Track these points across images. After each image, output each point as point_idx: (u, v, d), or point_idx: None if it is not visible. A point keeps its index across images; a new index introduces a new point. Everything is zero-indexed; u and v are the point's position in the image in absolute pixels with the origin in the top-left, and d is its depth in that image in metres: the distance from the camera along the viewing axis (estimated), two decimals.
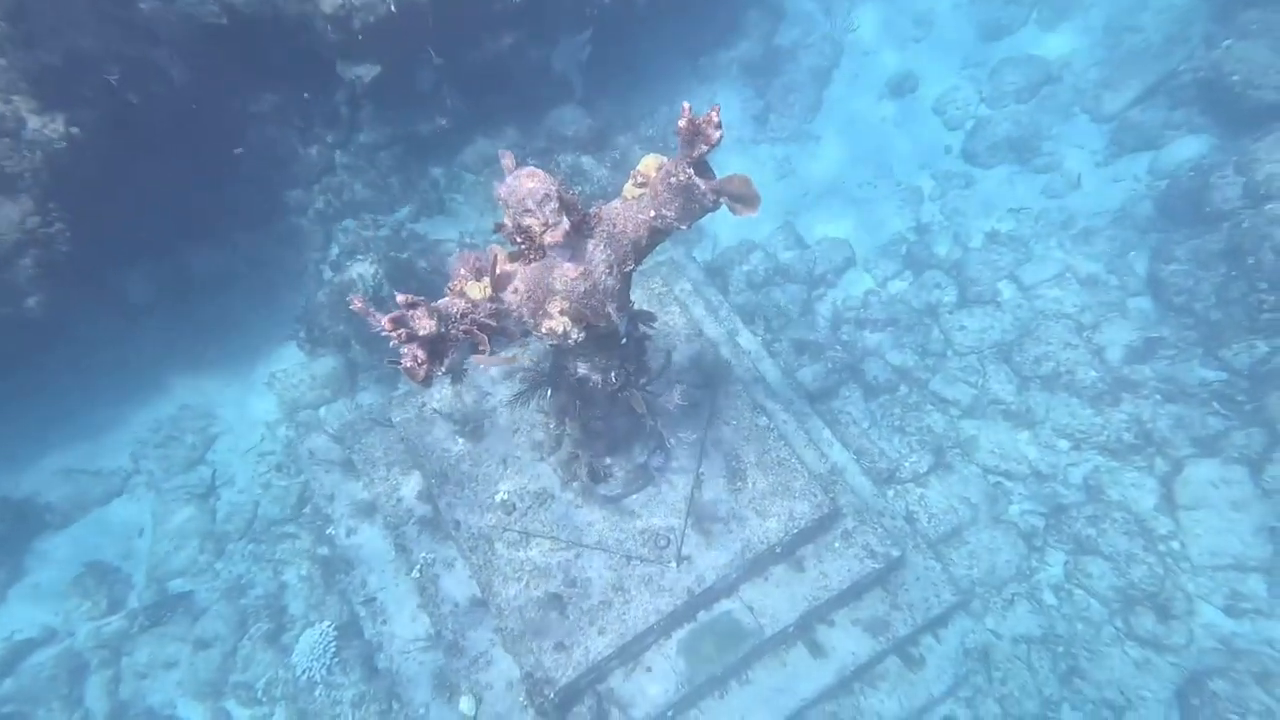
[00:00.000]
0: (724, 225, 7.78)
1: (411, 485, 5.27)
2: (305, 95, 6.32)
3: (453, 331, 2.65)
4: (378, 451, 5.38)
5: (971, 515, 5.93)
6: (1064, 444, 6.17)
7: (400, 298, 2.44)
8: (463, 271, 2.96)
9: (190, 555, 6.06)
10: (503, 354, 2.75)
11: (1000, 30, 8.27)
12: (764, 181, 8.22)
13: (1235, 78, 6.68)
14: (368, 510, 5.40)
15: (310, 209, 6.85)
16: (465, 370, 2.80)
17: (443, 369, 2.65)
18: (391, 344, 2.45)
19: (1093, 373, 6.29)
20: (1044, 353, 6.46)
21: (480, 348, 2.75)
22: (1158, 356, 6.22)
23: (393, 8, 5.44)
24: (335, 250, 6.80)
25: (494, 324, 2.85)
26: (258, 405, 6.70)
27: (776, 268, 7.44)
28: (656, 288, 6.08)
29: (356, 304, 2.34)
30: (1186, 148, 7.12)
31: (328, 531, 5.42)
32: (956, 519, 5.89)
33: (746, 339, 6.41)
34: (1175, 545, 5.60)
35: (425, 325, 2.45)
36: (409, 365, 2.52)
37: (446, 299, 2.81)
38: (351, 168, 6.88)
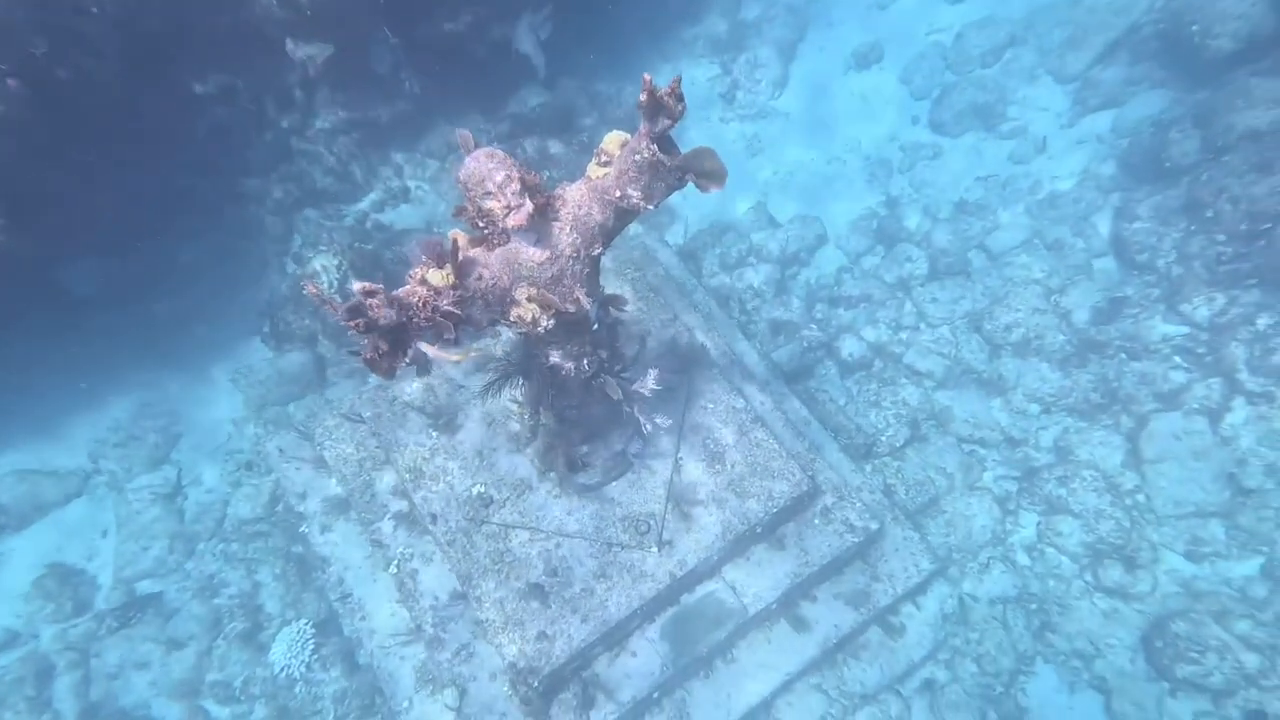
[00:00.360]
0: (695, 208, 7.69)
1: (386, 480, 5.17)
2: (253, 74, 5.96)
3: (415, 321, 2.56)
4: (349, 447, 5.26)
5: (948, 484, 6.01)
6: (1035, 408, 6.27)
7: (357, 286, 2.34)
8: (424, 258, 2.85)
9: (159, 555, 5.93)
10: (460, 349, 2.65)
11: None
12: (734, 160, 8.12)
13: (1195, 27, 6.69)
14: (341, 507, 5.29)
15: (269, 198, 6.60)
16: (429, 362, 2.71)
17: (406, 360, 2.56)
18: (349, 334, 2.35)
19: (1061, 336, 6.38)
20: (1014, 320, 6.53)
21: (445, 336, 2.65)
22: (1122, 315, 6.33)
23: None
24: (297, 241, 6.59)
25: (458, 312, 2.76)
26: (223, 403, 6.53)
27: (749, 249, 7.40)
28: (629, 273, 6.00)
29: (311, 289, 2.23)
30: (1147, 104, 7.18)
31: (301, 529, 5.31)
32: (933, 489, 5.97)
33: (722, 321, 6.36)
34: (1141, 498, 5.76)
35: (385, 315, 2.35)
36: (369, 357, 2.42)
37: (407, 287, 2.71)
38: (310, 155, 6.64)
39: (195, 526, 6.08)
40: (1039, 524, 5.84)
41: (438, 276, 2.73)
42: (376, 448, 5.19)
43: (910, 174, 7.84)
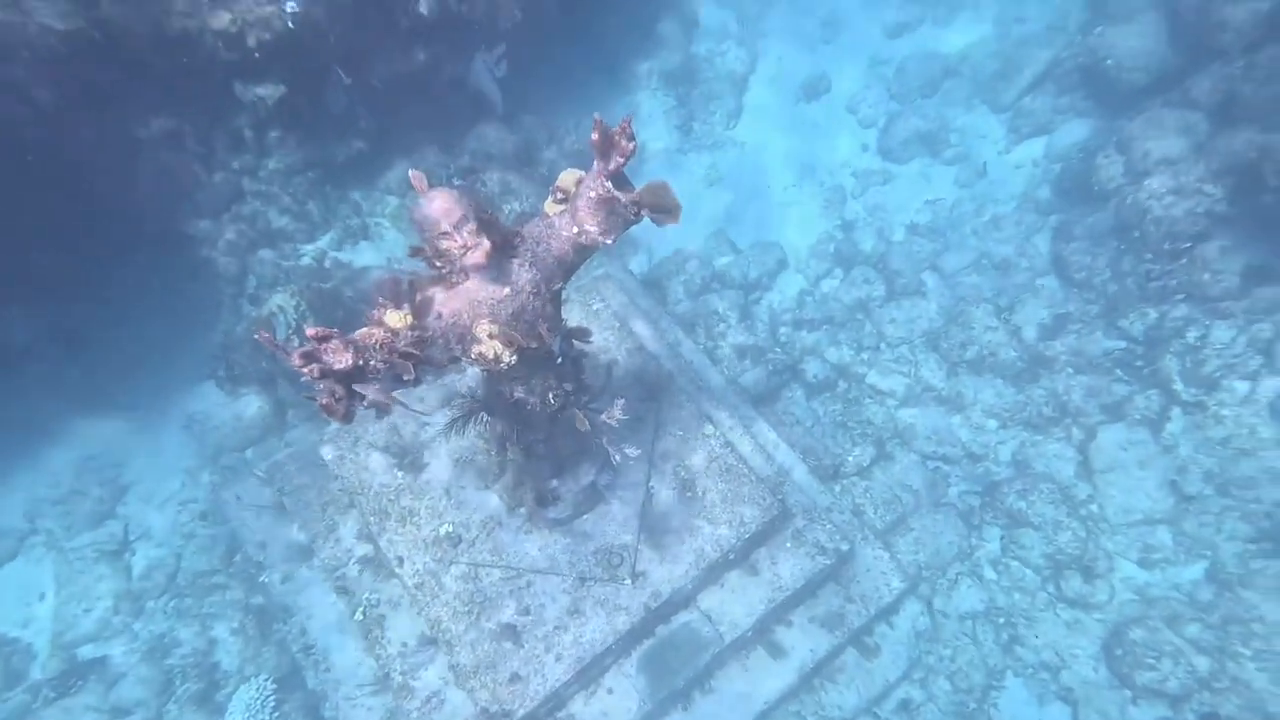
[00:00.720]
0: (658, 236, 7.80)
1: (350, 524, 5.03)
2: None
3: (372, 363, 2.52)
4: (311, 492, 5.11)
5: (914, 502, 6.11)
6: (992, 423, 6.45)
7: (310, 331, 2.30)
8: (381, 299, 2.83)
9: (102, 617, 5.61)
10: (408, 395, 2.60)
11: (901, 28, 8.63)
12: (693, 189, 8.30)
13: (1109, 62, 7.13)
14: (304, 554, 5.12)
15: (221, 240, 6.46)
16: (390, 404, 2.67)
17: (365, 404, 2.51)
18: (303, 380, 2.30)
19: (1012, 352, 6.60)
20: (968, 337, 6.74)
21: (404, 378, 2.62)
22: (1067, 331, 6.59)
23: (290, 24, 5.18)
24: (253, 282, 6.44)
25: (417, 353, 2.73)
26: (175, 450, 6.28)
27: (712, 274, 7.51)
28: (594, 303, 6.03)
29: (263, 336, 2.18)
30: (1074, 131, 7.58)
31: (261, 579, 5.10)
32: (901, 507, 6.06)
33: (688, 348, 6.42)
34: (1094, 508, 5.93)
35: (341, 359, 2.31)
36: (326, 402, 2.38)
37: (364, 329, 2.68)
38: (264, 195, 6.53)
39: (144, 583, 5.79)
40: (1003, 537, 5.97)
41: (395, 318, 2.71)
42: (340, 491, 5.05)
43: (863, 199, 8.10)
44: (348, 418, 2.45)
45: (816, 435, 6.44)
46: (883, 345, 7.06)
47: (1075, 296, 6.82)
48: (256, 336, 2.18)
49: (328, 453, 5.00)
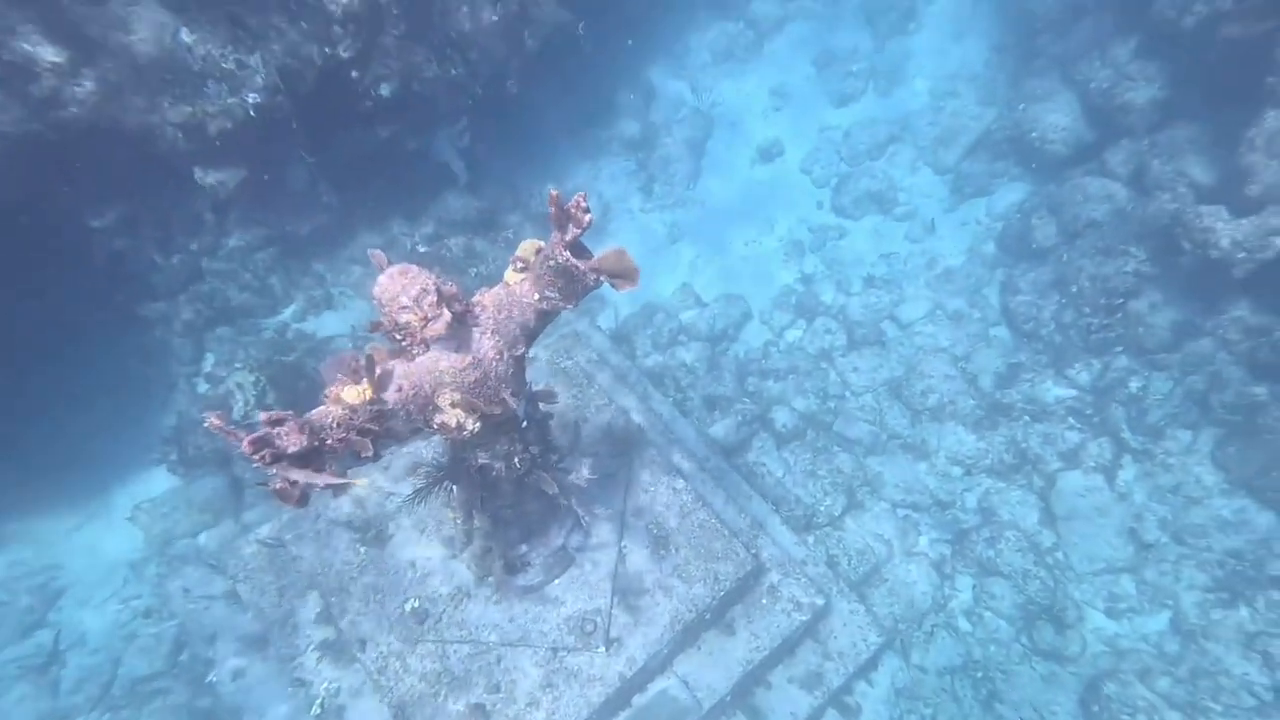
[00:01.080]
0: (624, 293, 7.95)
1: (309, 608, 4.81)
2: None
3: (329, 443, 2.50)
4: (268, 575, 4.89)
5: (887, 552, 6.12)
6: (957, 470, 6.55)
7: (264, 415, 2.28)
8: (339, 376, 2.82)
9: None
10: (351, 476, 2.54)
11: (846, 99, 9.18)
12: (657, 246, 8.54)
13: (1034, 134, 7.70)
14: (258, 645, 4.85)
15: (177, 320, 6.37)
16: (347, 484, 2.63)
17: (320, 486, 2.47)
18: (254, 467, 2.26)
19: (971, 401, 6.77)
20: (928, 386, 6.92)
21: (363, 455, 2.59)
22: (1020, 380, 6.82)
23: (252, 112, 5.30)
24: (210, 361, 6.31)
25: (376, 428, 2.71)
26: (118, 544, 5.94)
27: (680, 327, 7.64)
28: (562, 361, 6.06)
29: (214, 422, 2.15)
30: (1010, 193, 8.07)
31: (209, 679, 4.79)
32: (874, 557, 6.05)
33: (658, 401, 6.46)
34: (1060, 556, 6.00)
35: (295, 441, 2.29)
36: (280, 488, 2.33)
37: (321, 408, 2.66)
38: (223, 273, 6.51)
39: (74, 698, 5.33)
40: (974, 587, 5.98)
41: (353, 393, 2.71)
42: (299, 573, 4.86)
43: (821, 253, 8.40)
44: (303, 502, 2.41)
45: (788, 485, 6.46)
46: (848, 394, 7.19)
47: (1026, 346, 7.09)
48: (206, 424, 2.15)
49: (286, 532, 4.83)
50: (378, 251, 2.89)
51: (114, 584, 5.78)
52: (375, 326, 2.99)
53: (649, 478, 5.30)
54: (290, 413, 2.38)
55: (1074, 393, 6.61)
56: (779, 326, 7.86)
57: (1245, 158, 5.49)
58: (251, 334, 6.44)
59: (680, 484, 5.30)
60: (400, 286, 2.95)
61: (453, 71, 6.73)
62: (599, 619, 4.61)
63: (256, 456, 2.22)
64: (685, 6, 9.92)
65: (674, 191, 8.87)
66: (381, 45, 6.34)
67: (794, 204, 8.76)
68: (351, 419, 2.63)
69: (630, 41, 9.21)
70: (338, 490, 2.66)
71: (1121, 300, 6.43)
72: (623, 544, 4.93)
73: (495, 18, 6.85)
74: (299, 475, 2.26)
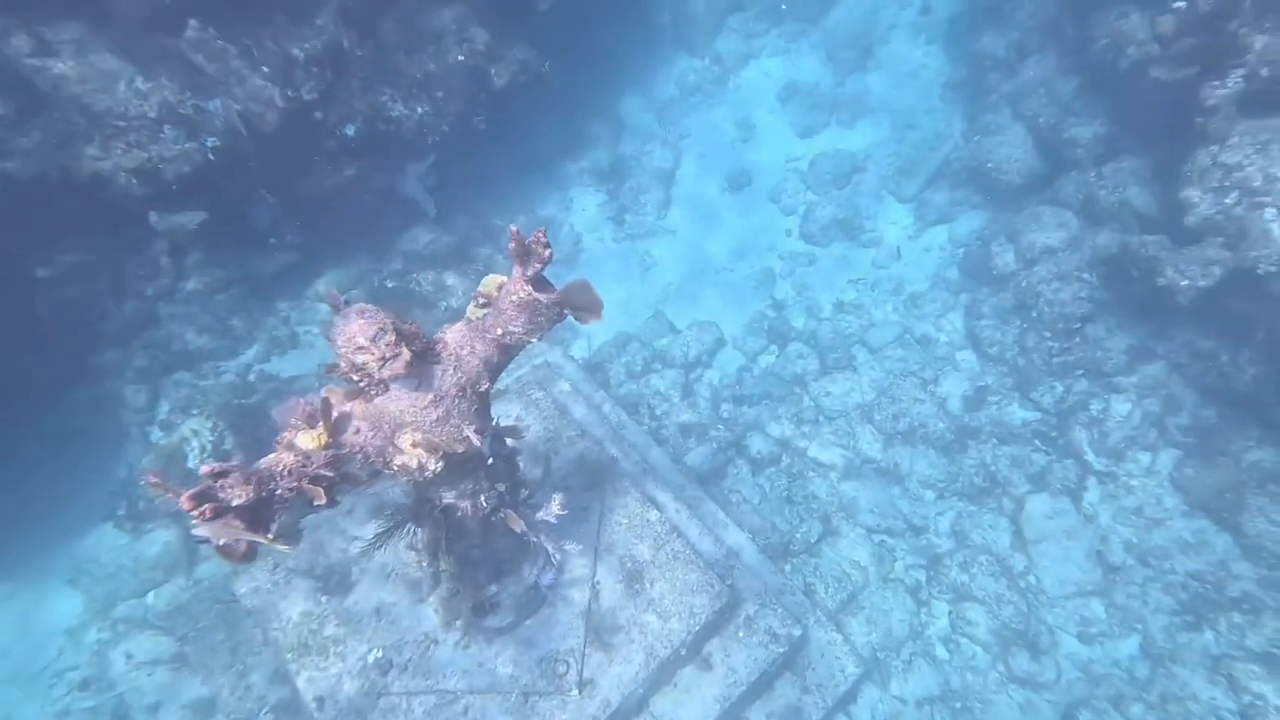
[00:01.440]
0: (597, 321, 7.95)
1: (264, 667, 4.60)
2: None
3: (279, 492, 2.42)
4: (219, 634, 4.66)
5: (863, 578, 6.08)
6: (930, 494, 6.57)
7: (205, 468, 2.20)
8: (293, 421, 2.75)
9: None
10: (274, 531, 2.38)
11: (810, 130, 9.42)
12: (629, 275, 8.59)
13: (990, 165, 7.98)
14: (205, 711, 4.58)
15: (129, 368, 6.17)
16: (300, 530, 2.55)
17: (270, 537, 2.39)
18: (194, 524, 2.17)
19: (941, 424, 6.84)
20: (899, 410, 6.98)
21: (316, 504, 2.52)
22: (987, 403, 6.92)
23: (211, 156, 5.26)
24: (165, 408, 6.11)
25: (331, 473, 2.64)
26: (53, 611, 5.61)
27: (653, 355, 7.65)
28: (534, 393, 6.01)
29: (151, 480, 2.07)
30: (970, 221, 8.29)
31: None
32: (851, 584, 6.01)
33: (632, 430, 6.42)
34: (1032, 580, 6.01)
35: (241, 494, 2.21)
36: (224, 543, 2.24)
37: (272, 456, 2.58)
38: (181, 317, 6.35)
39: None
40: (950, 613, 5.96)
41: (308, 439, 2.64)
42: (253, 628, 4.65)
43: (791, 279, 8.51)
44: (249, 557, 2.31)
45: (764, 513, 6.43)
46: (821, 419, 7.23)
47: (991, 369, 7.22)
48: (142, 482, 2.07)
49: (240, 586, 4.63)
50: (333, 291, 2.84)
51: (47, 656, 5.42)
52: (331, 369, 2.93)
53: (623, 509, 5.23)
54: (235, 463, 2.30)
55: (1038, 415, 6.71)
56: (752, 352, 7.91)
57: (1182, 191, 5.76)
58: (211, 377, 6.28)
59: (654, 515, 5.23)
60: (356, 327, 2.91)
61: (419, 110, 6.78)
62: (572, 659, 4.50)
63: (196, 512, 2.13)
64: (652, 44, 10.17)
65: (645, 221, 8.96)
66: (346, 86, 6.37)
67: (763, 232, 8.89)
68: (304, 466, 2.55)
69: (598, 77, 9.40)
70: (291, 539, 2.57)
71: (1079, 325, 6.60)
72: (596, 579, 4.84)
73: (461, 57, 6.94)
74: (212, 530, 2.16)
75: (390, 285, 7.22)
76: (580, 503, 5.20)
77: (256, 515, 2.31)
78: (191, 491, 2.13)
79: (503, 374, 6.94)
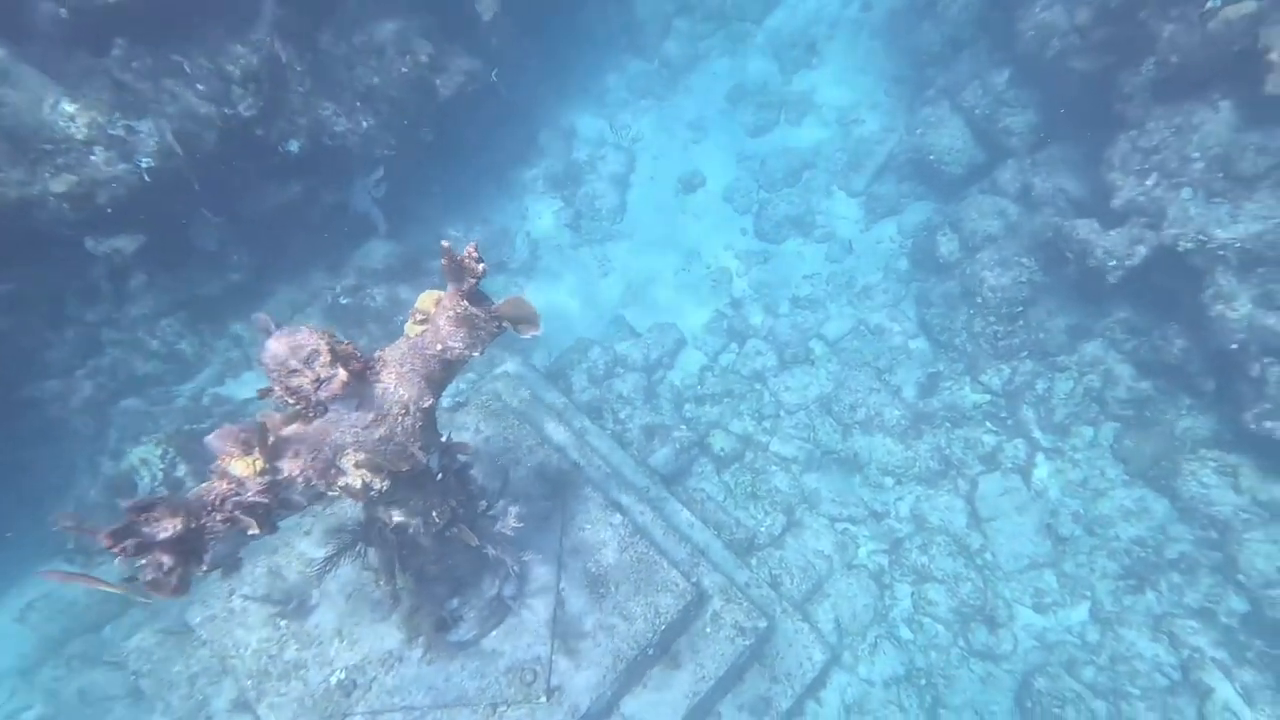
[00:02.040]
0: (558, 328, 7.98)
1: (224, 695, 4.53)
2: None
3: (212, 523, 2.40)
4: (176, 664, 4.58)
5: (828, 567, 6.20)
6: (889, 481, 6.72)
7: (126, 504, 2.17)
8: (228, 448, 2.73)
9: None
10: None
11: (760, 129, 9.55)
12: (588, 280, 8.61)
13: (931, 157, 8.20)
14: None
15: (75, 397, 6.01)
16: (240, 559, 2.53)
17: (203, 568, 2.37)
18: (117, 563, 2.13)
19: (896, 412, 7.00)
20: (856, 400, 7.12)
21: (250, 533, 2.50)
22: (940, 389, 7.10)
23: (146, 177, 5.15)
24: (114, 437, 5.98)
25: (267, 500, 2.63)
26: (4, 651, 5.48)
27: (615, 359, 7.68)
28: (492, 404, 6.00)
29: (63, 523, 2.03)
30: (917, 212, 8.49)
31: None
32: (816, 574, 6.12)
33: (595, 435, 6.44)
34: (988, 557, 6.20)
35: (167, 527, 2.18)
36: (152, 578, 2.20)
37: (204, 485, 2.56)
38: (126, 343, 6.21)
39: None
40: (912, 594, 6.11)
41: (243, 465, 2.62)
42: (211, 656, 4.58)
43: (747, 277, 8.62)
44: (180, 590, 2.28)
45: (729, 509, 6.51)
46: (781, 413, 7.33)
47: (943, 356, 7.41)
48: (55, 526, 2.03)
49: (195, 615, 4.54)
50: (262, 315, 2.83)
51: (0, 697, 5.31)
52: (264, 393, 2.91)
53: (585, 514, 5.26)
54: (161, 495, 2.27)
55: (988, 398, 6.92)
56: (712, 351, 8.00)
57: (1107, 175, 6.00)
58: (162, 403, 6.15)
59: (618, 519, 5.27)
60: (289, 349, 2.90)
61: (364, 124, 6.72)
62: (539, 667, 4.51)
63: (118, 549, 2.10)
64: (601, 49, 10.21)
65: (601, 226, 9.00)
66: (287, 102, 6.30)
67: (718, 231, 8.99)
68: (238, 494, 2.53)
69: (548, 85, 9.40)
70: (228, 568, 2.55)
71: (1021, 308, 6.82)
72: (561, 586, 4.86)
73: (405, 69, 6.90)
74: (139, 568, 2.13)
75: (344, 301, 7.15)
76: (542, 511, 5.21)
77: (187, 547, 2.29)
78: (111, 528, 2.10)
79: (462, 385, 6.92)
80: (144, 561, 2.16)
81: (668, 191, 9.34)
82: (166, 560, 2.19)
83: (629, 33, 10.26)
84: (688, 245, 8.87)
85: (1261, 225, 5.19)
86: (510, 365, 6.97)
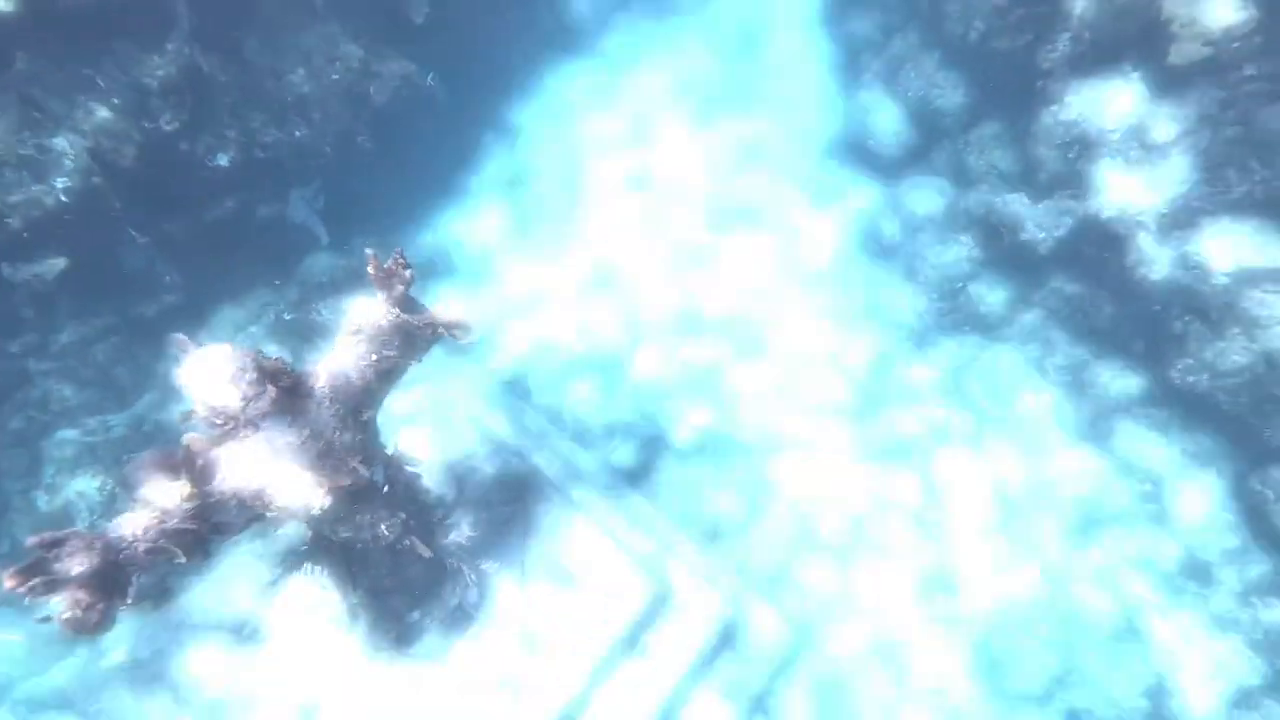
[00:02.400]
0: (516, 331, 7.90)
1: None
2: None
3: (132, 554, 2.31)
4: (126, 699, 4.42)
5: (793, 550, 6.28)
6: (847, 460, 6.83)
7: (33, 539, 2.08)
8: (151, 475, 2.64)
9: None
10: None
11: (706, 121, 9.55)
12: (543, 281, 8.53)
13: (871, 141, 8.38)
14: None
15: (2, 433, 5.75)
16: (168, 590, 2.45)
17: (127, 601, 2.28)
18: (26, 601, 2.04)
19: (851, 393, 7.11)
20: (812, 383, 7.20)
21: (176, 561, 2.42)
22: (892, 368, 7.22)
23: (63, 198, 4.94)
24: (49, 471, 5.73)
25: (195, 526, 2.54)
26: None
27: (574, 360, 7.64)
28: (447, 413, 5.93)
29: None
30: (862, 197, 8.57)
31: None
32: (782, 554, 6.20)
33: (555, 437, 6.42)
34: (945, 528, 6.31)
35: (80, 562, 2.09)
36: (69, 616, 2.10)
37: (124, 515, 2.47)
38: (57, 372, 5.95)
39: None
40: (873, 570, 6.22)
41: (165, 493, 2.53)
42: (163, 691, 4.42)
43: (702, 270, 8.63)
44: (102, 625, 2.19)
45: (693, 500, 6.55)
46: (741, 402, 7.39)
47: (892, 335, 7.56)
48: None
49: (143, 650, 4.38)
50: (180, 336, 2.74)
51: None
52: (186, 417, 2.82)
53: (548, 518, 5.24)
54: (74, 530, 2.18)
55: (937, 374, 7.10)
56: (671, 346, 8.01)
57: (1034, 150, 6.22)
58: (99, 433, 5.91)
59: (580, 519, 5.27)
60: (210, 370, 2.81)
61: (296, 134, 6.56)
62: (507, 673, 4.48)
63: (25, 589, 2.00)
64: (541, 48, 10.11)
65: (553, 227, 8.93)
66: (213, 114, 6.10)
67: (669, 225, 8.99)
68: (162, 523, 2.45)
69: (489, 87, 9.29)
70: (159, 600, 2.47)
71: (962, 285, 7.01)
72: (525, 590, 4.83)
73: (335, 76, 6.75)
74: (55, 604, 2.04)
75: (289, 317, 6.97)
76: (503, 517, 5.17)
77: (107, 582, 2.20)
78: (15, 568, 2.01)
79: (416, 395, 6.79)
80: (59, 599, 2.06)
81: (616, 189, 9.27)
82: (84, 597, 2.10)
83: (568, 31, 10.19)
84: (640, 242, 8.79)
85: (1175, 190, 5.44)
86: (467, 371, 6.90)
